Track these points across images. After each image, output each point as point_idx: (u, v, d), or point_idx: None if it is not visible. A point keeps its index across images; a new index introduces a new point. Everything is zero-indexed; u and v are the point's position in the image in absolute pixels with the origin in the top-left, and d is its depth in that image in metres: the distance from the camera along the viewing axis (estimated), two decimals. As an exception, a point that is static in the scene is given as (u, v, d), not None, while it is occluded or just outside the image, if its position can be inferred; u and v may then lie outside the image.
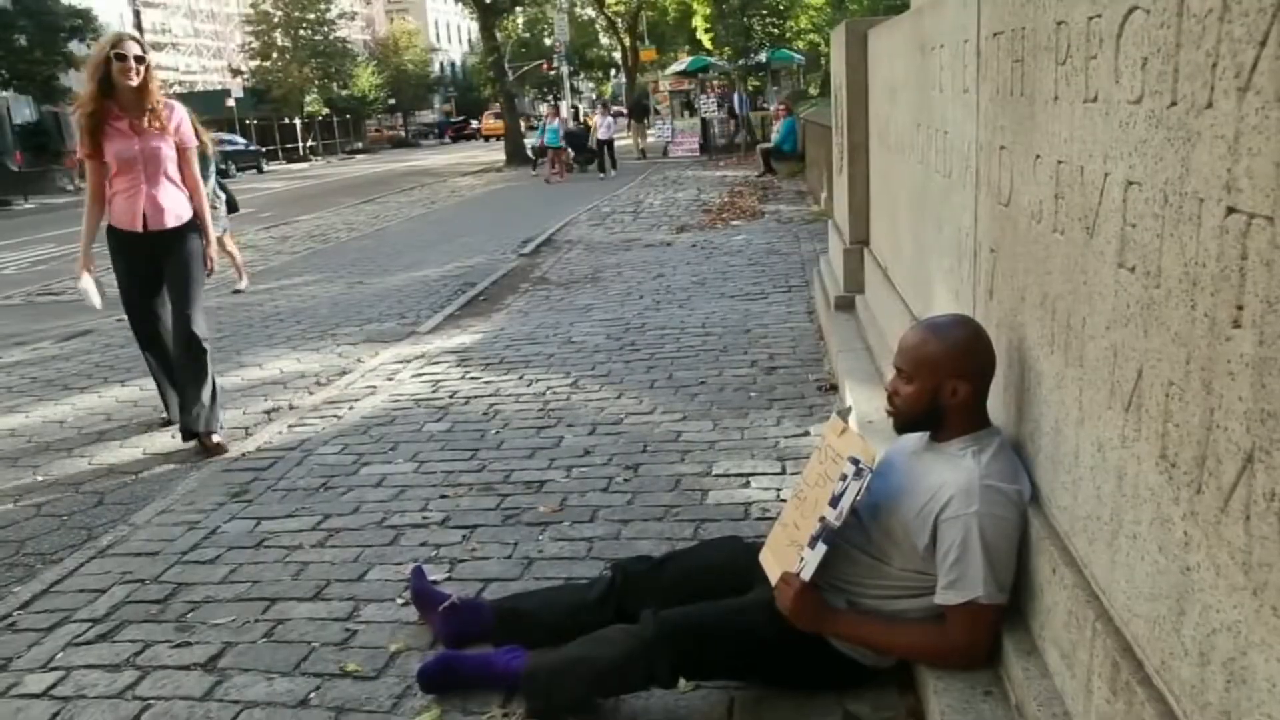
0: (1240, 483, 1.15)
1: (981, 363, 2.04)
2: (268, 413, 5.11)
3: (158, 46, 38.93)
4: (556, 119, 22.24)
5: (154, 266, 4.49)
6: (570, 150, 23.86)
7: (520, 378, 5.26)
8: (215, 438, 4.50)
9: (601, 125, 21.93)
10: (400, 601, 2.87)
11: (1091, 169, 1.61)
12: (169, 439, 4.76)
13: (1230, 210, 1.15)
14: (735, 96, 25.32)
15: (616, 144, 23.70)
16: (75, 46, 30.02)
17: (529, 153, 23.39)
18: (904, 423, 2.12)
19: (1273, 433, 1.07)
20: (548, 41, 45.08)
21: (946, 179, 2.89)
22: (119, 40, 4.30)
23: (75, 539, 3.64)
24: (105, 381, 6.00)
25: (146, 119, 4.32)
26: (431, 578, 2.89)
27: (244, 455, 4.34)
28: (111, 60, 4.18)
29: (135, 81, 4.23)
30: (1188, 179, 1.26)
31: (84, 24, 29.95)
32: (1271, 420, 1.07)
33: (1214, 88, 1.18)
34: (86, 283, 4.62)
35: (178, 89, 42.10)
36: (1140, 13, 1.40)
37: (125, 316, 4.77)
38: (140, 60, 4.24)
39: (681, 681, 2.22)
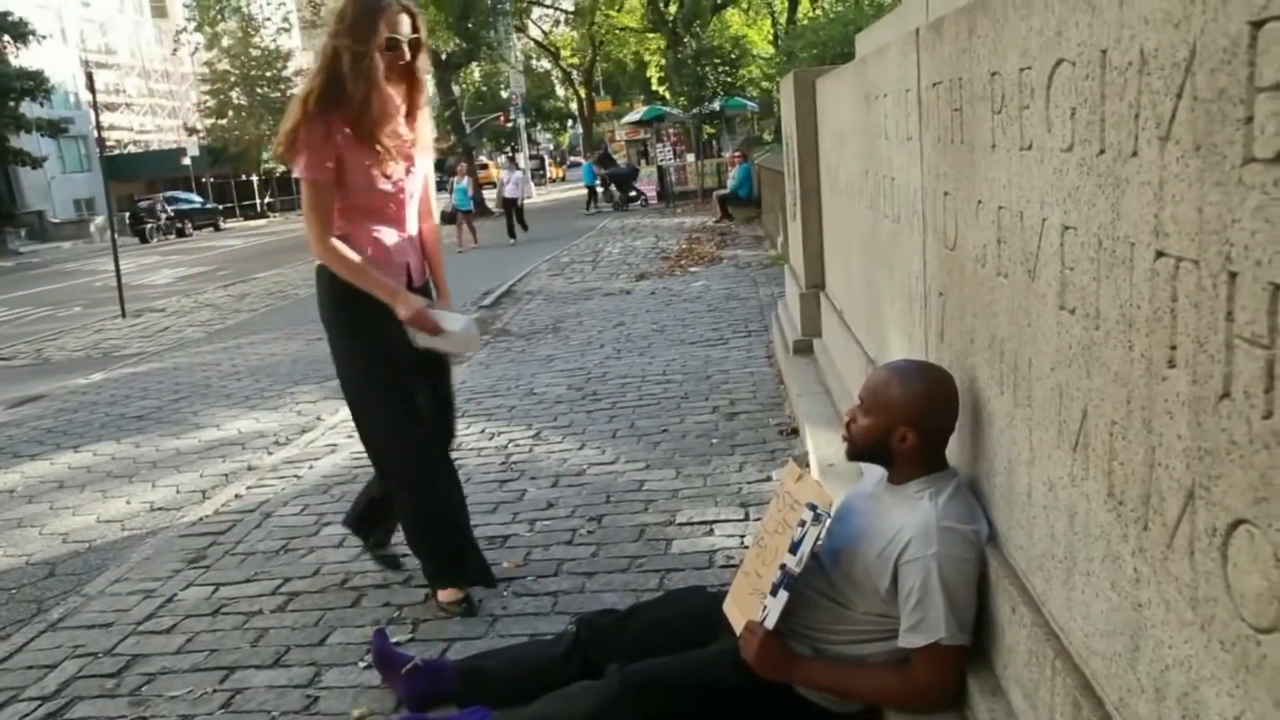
0: (1184, 519, 1.17)
1: (935, 414, 2.05)
2: (226, 475, 5.02)
3: (111, 107, 38.73)
4: (466, 177, 18.85)
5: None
6: (615, 190, 23.00)
7: (482, 431, 5.23)
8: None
9: (509, 182, 18.81)
10: (363, 665, 2.82)
11: (1030, 214, 1.66)
12: (124, 505, 4.66)
13: (1159, 254, 1.18)
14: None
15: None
16: (26, 107, 29.80)
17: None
18: (855, 452, 2.16)
19: (1210, 469, 1.10)
20: (504, 94, 45.58)
21: (895, 224, 2.95)
22: (390, 9, 2.81)
23: (24, 613, 3.54)
24: (58, 448, 5.88)
25: (411, 130, 2.97)
26: (394, 639, 2.84)
27: (201, 519, 4.26)
28: (381, 38, 2.78)
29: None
30: (1119, 224, 1.30)
31: (35, 85, 29.75)
32: (1209, 457, 1.10)
33: (1138, 137, 1.22)
34: (456, 320, 3.01)
35: (132, 148, 41.90)
36: (1067, 65, 1.45)
37: (364, 418, 3.11)
38: (416, 46, 2.90)
39: (649, 736, 2.19)
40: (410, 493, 3.11)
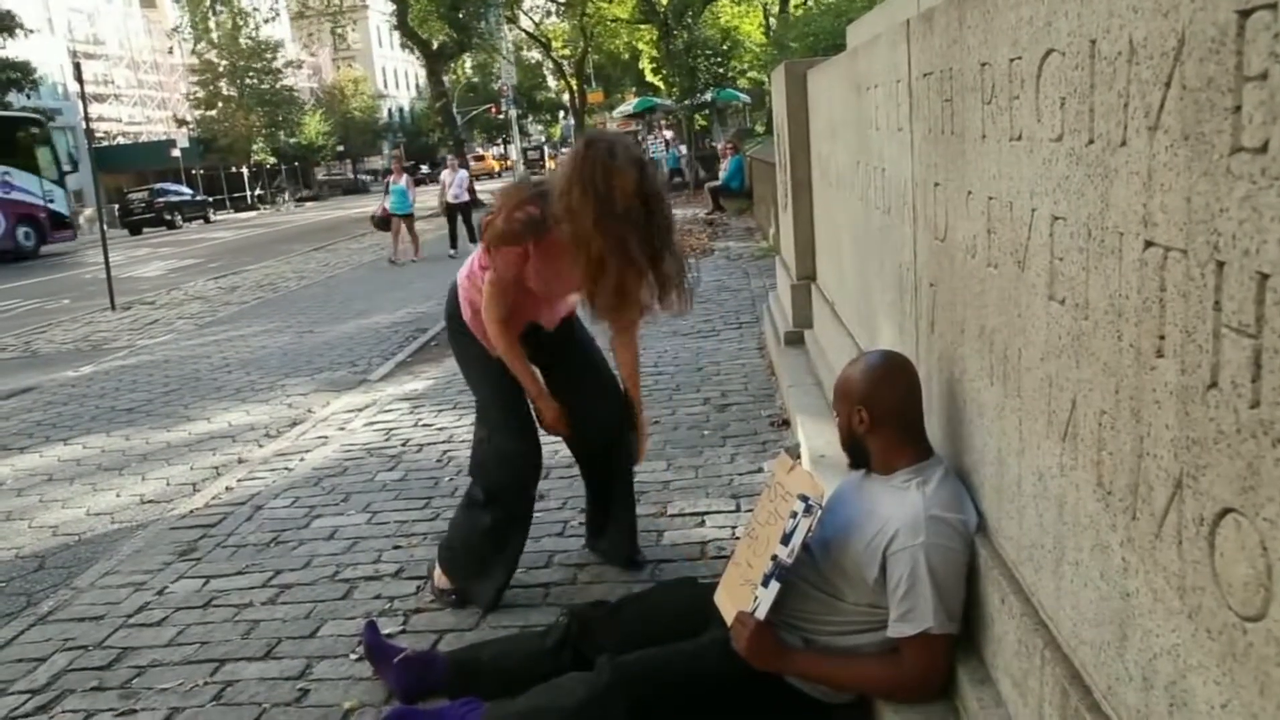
0: (1171, 508, 1.18)
1: (882, 388, 2.08)
2: (216, 468, 5.01)
3: (100, 98, 38.48)
4: (404, 177, 15.14)
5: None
6: (702, 172, 22.02)
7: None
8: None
9: (452, 184, 15.30)
10: (354, 657, 2.82)
11: (1020, 205, 1.66)
12: (114, 498, 4.65)
13: (1148, 244, 1.18)
14: None
15: None
16: (13, 98, 29.57)
17: (371, 223, 15.99)
18: (848, 457, 2.18)
19: (1198, 459, 1.10)
20: (495, 86, 45.46)
21: (886, 215, 2.95)
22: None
23: (14, 606, 3.53)
24: (47, 440, 5.86)
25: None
26: (385, 631, 2.84)
27: (192, 512, 4.25)
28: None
29: None
30: (1108, 214, 1.30)
31: (22, 76, 29.51)
32: (1196, 447, 1.10)
33: (1127, 126, 1.22)
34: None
35: (121, 140, 41.68)
36: (1056, 55, 1.45)
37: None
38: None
39: (640, 727, 2.19)
40: (476, 501, 3.08)
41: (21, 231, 22.19)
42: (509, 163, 47.96)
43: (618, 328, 3.03)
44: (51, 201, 23.23)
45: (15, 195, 22.00)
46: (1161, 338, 1.17)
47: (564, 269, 2.76)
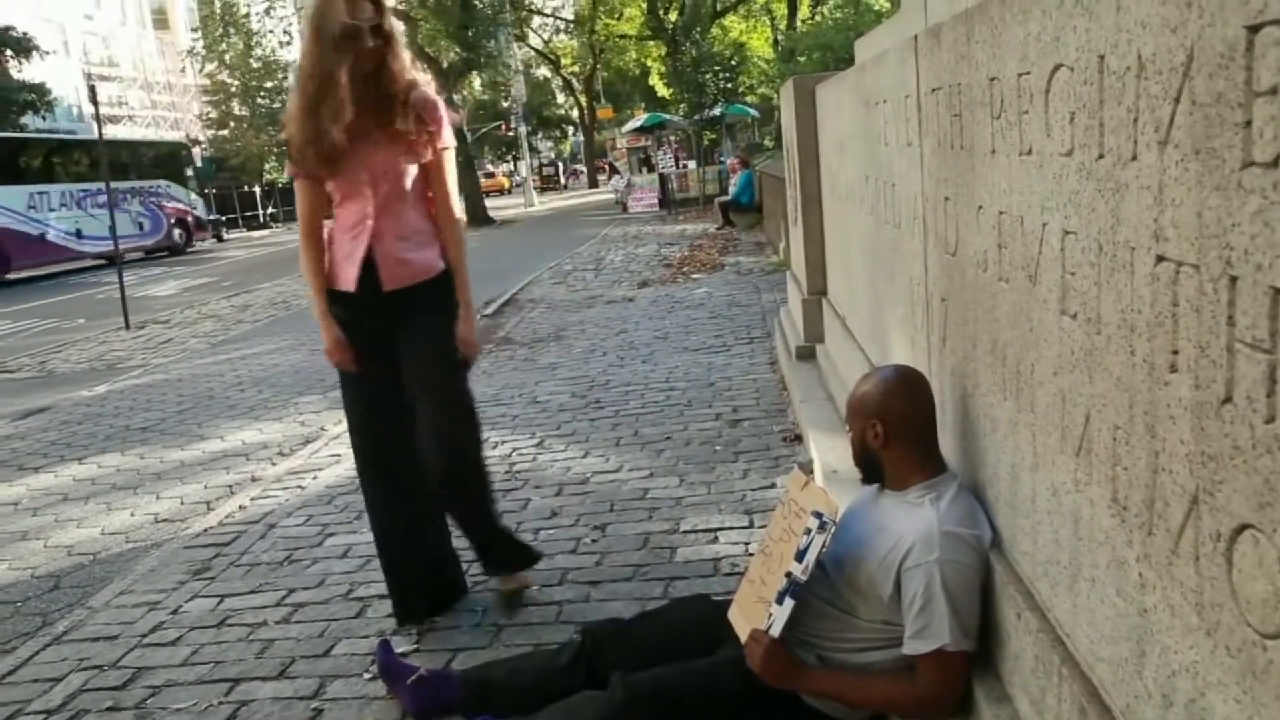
0: (1188, 524, 1.17)
1: (895, 401, 2.09)
2: (230, 486, 5.02)
3: (114, 119, 38.84)
4: None
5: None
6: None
7: (485, 440, 5.22)
8: None
9: None
10: (368, 676, 2.82)
11: (1030, 219, 1.66)
12: (128, 517, 4.67)
13: (1160, 258, 1.18)
14: None
15: (592, 198, 20.92)
16: (29, 120, 29.85)
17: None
18: (861, 472, 2.18)
19: (1214, 474, 1.09)
20: (506, 103, 45.71)
21: (896, 230, 2.95)
22: None
23: (30, 626, 3.54)
24: (62, 460, 5.89)
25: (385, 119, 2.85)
26: (399, 650, 2.84)
27: (206, 531, 4.26)
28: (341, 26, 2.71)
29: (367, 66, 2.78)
30: (1119, 228, 1.30)
31: (38, 98, 29.79)
32: (1212, 463, 1.09)
33: (1137, 141, 1.22)
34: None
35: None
36: (1065, 70, 1.45)
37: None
38: (379, 32, 2.78)
39: (655, 746, 2.18)
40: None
41: (176, 232, 27.22)
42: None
43: (443, 207, 3.05)
44: (195, 208, 28.83)
45: (173, 203, 27.28)
46: (1175, 353, 1.16)
47: (363, 126, 2.82)
